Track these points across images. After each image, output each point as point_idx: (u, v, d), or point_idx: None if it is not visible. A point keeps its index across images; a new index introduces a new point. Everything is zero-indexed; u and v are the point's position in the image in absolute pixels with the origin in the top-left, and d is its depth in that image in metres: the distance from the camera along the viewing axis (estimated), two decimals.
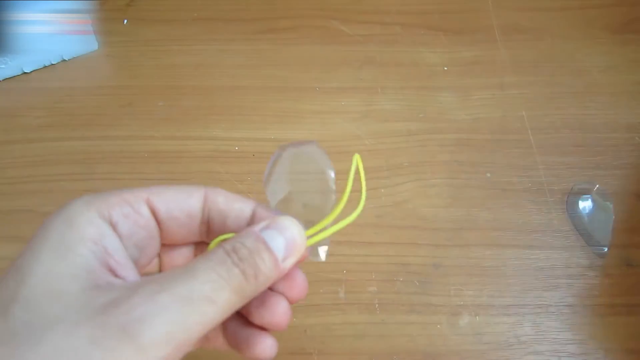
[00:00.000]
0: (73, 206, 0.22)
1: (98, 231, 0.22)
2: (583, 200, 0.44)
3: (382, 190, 0.45)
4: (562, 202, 0.45)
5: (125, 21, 0.58)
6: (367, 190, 0.44)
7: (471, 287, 0.40)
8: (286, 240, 0.23)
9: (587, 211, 0.43)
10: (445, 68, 0.54)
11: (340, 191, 0.25)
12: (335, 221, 0.25)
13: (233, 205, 0.26)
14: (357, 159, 0.25)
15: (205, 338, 0.26)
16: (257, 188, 0.45)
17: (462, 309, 0.39)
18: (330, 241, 0.26)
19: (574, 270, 0.41)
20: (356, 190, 0.25)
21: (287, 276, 0.24)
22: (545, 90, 0.52)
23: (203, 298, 0.20)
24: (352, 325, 0.39)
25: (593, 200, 0.44)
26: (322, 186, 0.26)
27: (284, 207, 0.26)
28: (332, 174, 0.26)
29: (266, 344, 0.25)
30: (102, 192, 0.24)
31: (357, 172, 0.25)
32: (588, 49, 0.56)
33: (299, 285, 0.25)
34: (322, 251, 0.26)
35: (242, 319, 0.26)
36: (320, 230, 0.25)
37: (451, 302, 0.40)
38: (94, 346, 0.18)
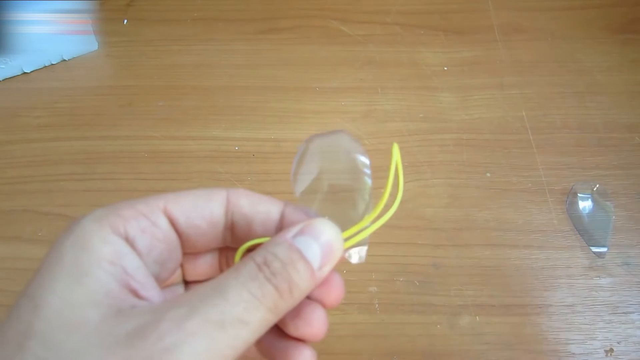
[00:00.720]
0: (84, 224, 0.20)
1: (114, 250, 0.20)
2: (583, 200, 0.44)
3: (382, 191, 0.45)
4: (562, 202, 0.45)
5: (125, 21, 0.58)
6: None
7: (471, 287, 0.40)
8: (322, 246, 0.21)
9: (587, 211, 0.43)
10: (445, 68, 0.54)
11: (376, 186, 0.23)
12: (373, 220, 0.23)
13: (258, 208, 0.23)
14: (396, 150, 0.23)
15: None
16: (258, 188, 0.45)
17: (462, 309, 0.39)
18: (369, 241, 0.24)
19: (574, 270, 0.41)
20: (379, 187, 0.23)
21: (323, 282, 0.22)
22: (545, 90, 0.52)
23: (235, 321, 0.18)
24: (352, 325, 0.39)
25: (593, 200, 0.44)
26: (356, 177, 0.24)
27: (316, 205, 0.24)
28: (367, 162, 0.24)
29: (305, 357, 0.23)
30: (114, 205, 0.21)
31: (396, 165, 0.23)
32: (588, 49, 0.56)
33: (336, 290, 0.23)
34: (362, 252, 0.24)
35: (276, 330, 0.23)
36: (359, 231, 0.22)
37: (451, 302, 0.40)
38: None
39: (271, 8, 0.60)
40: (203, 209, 0.23)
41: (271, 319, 0.20)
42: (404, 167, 0.47)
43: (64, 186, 0.45)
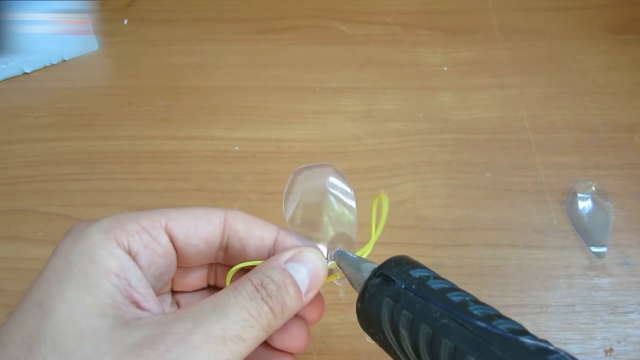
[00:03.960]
0: (92, 236, 0.21)
1: (120, 264, 0.21)
2: (583, 200, 0.44)
3: (382, 190, 0.45)
4: (562, 202, 0.45)
5: (125, 21, 0.58)
6: (367, 190, 0.44)
7: (471, 287, 0.40)
8: (310, 272, 0.23)
9: (587, 211, 0.43)
10: (445, 68, 0.54)
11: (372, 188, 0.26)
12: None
13: (253, 233, 0.25)
14: (382, 198, 0.26)
15: None
16: (258, 188, 0.45)
17: None
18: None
19: (574, 270, 0.41)
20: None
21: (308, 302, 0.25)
22: (545, 90, 0.52)
23: (235, 337, 0.20)
24: (352, 325, 0.39)
25: (593, 200, 0.44)
26: (339, 206, 0.27)
27: (304, 229, 0.27)
28: (350, 192, 0.27)
29: None
30: (118, 217, 0.23)
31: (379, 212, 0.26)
32: (588, 49, 0.56)
33: (318, 309, 0.26)
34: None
35: (263, 343, 0.25)
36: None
37: None
38: None
39: (271, 8, 0.60)
40: (202, 230, 0.24)
41: (264, 337, 0.22)
42: (404, 167, 0.47)
43: (64, 186, 0.45)
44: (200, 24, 0.58)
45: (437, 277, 0.23)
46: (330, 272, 0.26)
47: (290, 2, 0.60)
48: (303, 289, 0.23)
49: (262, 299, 0.21)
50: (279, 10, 0.60)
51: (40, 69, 0.54)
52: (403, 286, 0.22)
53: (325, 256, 0.26)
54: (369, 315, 0.23)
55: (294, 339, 0.25)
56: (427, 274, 0.23)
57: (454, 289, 0.23)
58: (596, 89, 0.52)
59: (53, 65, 0.54)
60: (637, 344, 0.38)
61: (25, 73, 0.53)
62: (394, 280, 0.23)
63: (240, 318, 0.21)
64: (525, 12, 0.60)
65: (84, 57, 0.55)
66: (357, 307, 0.24)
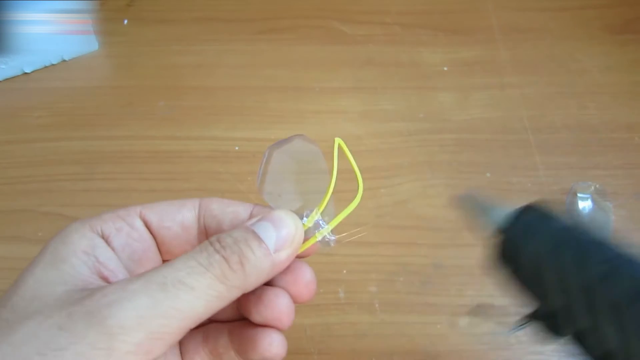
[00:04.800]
0: (70, 225, 0.23)
1: (90, 243, 0.22)
2: (583, 200, 0.44)
3: (382, 190, 0.45)
4: (562, 202, 0.45)
5: (125, 21, 0.58)
6: (367, 190, 0.44)
7: (471, 287, 0.40)
8: (278, 230, 0.22)
9: (587, 211, 0.43)
10: (445, 68, 0.54)
11: (367, 187, 0.25)
12: (337, 211, 0.25)
13: (227, 210, 0.25)
14: (339, 142, 0.25)
15: (215, 352, 0.25)
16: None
17: (462, 309, 0.39)
18: (332, 231, 0.25)
19: None
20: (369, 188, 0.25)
21: (289, 270, 0.24)
22: (545, 90, 0.52)
23: (177, 282, 0.19)
24: (352, 325, 0.39)
25: (593, 200, 0.44)
26: (316, 177, 0.26)
27: (282, 205, 0.26)
28: (323, 163, 0.26)
29: (271, 339, 0.23)
30: (102, 212, 0.24)
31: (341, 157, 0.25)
32: (588, 49, 0.56)
33: (303, 280, 0.24)
34: (328, 237, 0.25)
35: (247, 324, 0.24)
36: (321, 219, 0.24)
37: (451, 302, 0.40)
38: (62, 332, 0.18)
39: (271, 8, 0.60)
40: (175, 213, 0.25)
41: (222, 290, 0.20)
42: (404, 167, 0.47)
43: (64, 186, 0.45)
44: (200, 24, 0.58)
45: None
46: (310, 234, 0.25)
47: (290, 2, 0.60)
48: (271, 246, 0.22)
49: (215, 249, 0.21)
50: (279, 10, 0.60)
51: (40, 69, 0.54)
52: (564, 224, 0.22)
53: (302, 219, 0.24)
54: (515, 249, 0.23)
55: (272, 310, 0.23)
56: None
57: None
58: (596, 89, 0.52)
59: (53, 65, 0.54)
60: None
61: (25, 73, 0.53)
62: (552, 218, 0.22)
63: (186, 266, 0.20)
64: (525, 12, 0.60)
65: (84, 57, 0.55)
66: (498, 240, 0.23)
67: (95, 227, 0.23)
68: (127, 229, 0.24)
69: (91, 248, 0.22)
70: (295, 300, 0.24)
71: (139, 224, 0.24)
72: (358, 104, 0.51)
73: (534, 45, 0.56)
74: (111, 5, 0.60)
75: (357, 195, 0.25)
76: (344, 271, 0.41)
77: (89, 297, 0.19)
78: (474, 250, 0.42)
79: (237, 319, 0.25)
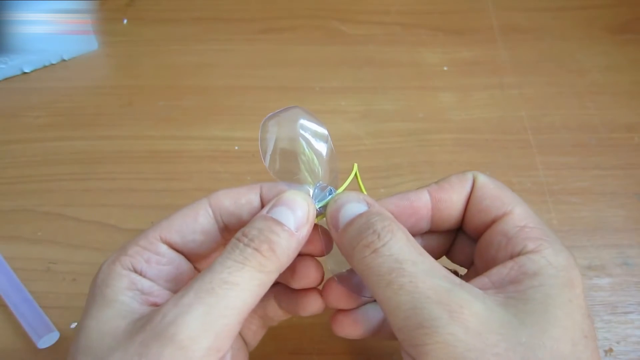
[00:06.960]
0: (102, 270, 0.24)
1: (129, 280, 0.24)
2: None
3: (382, 190, 0.45)
4: (562, 202, 0.45)
5: (125, 21, 0.58)
6: (367, 190, 0.44)
7: None
8: (295, 212, 0.24)
9: None
10: (445, 68, 0.54)
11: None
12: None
13: (241, 202, 0.27)
14: (356, 169, 0.27)
15: (266, 316, 0.29)
16: None
17: None
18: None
19: None
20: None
21: (311, 239, 0.26)
22: (545, 90, 0.52)
23: (222, 284, 0.21)
24: None
25: None
26: (316, 141, 0.28)
27: (287, 174, 0.27)
28: (324, 130, 0.28)
29: (310, 299, 0.27)
30: (123, 247, 0.25)
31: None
32: (588, 49, 0.56)
33: (319, 241, 0.26)
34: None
35: (288, 289, 0.28)
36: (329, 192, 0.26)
37: None
38: (142, 359, 0.20)
39: (271, 8, 0.60)
40: (193, 224, 0.26)
41: (263, 278, 0.22)
42: (404, 167, 0.47)
43: (64, 186, 0.45)
44: (200, 24, 0.58)
45: None
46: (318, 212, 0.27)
47: (290, 2, 0.60)
48: (292, 226, 0.24)
49: (244, 244, 0.22)
50: (279, 10, 0.60)
51: (40, 69, 0.54)
52: None
53: (311, 195, 0.27)
54: None
55: (306, 277, 0.26)
56: None
57: None
58: (596, 89, 0.52)
59: (53, 65, 0.54)
60: (637, 344, 0.38)
61: (25, 73, 0.53)
62: None
63: (224, 267, 0.22)
64: (525, 12, 0.60)
65: (83, 57, 0.55)
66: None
67: (126, 264, 0.24)
68: (155, 258, 0.25)
69: (132, 284, 0.24)
70: (320, 255, 0.27)
71: (164, 249, 0.26)
72: (358, 104, 0.51)
73: (534, 45, 0.56)
74: (111, 5, 0.60)
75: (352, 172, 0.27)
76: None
77: (150, 322, 0.21)
78: None
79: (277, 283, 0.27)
